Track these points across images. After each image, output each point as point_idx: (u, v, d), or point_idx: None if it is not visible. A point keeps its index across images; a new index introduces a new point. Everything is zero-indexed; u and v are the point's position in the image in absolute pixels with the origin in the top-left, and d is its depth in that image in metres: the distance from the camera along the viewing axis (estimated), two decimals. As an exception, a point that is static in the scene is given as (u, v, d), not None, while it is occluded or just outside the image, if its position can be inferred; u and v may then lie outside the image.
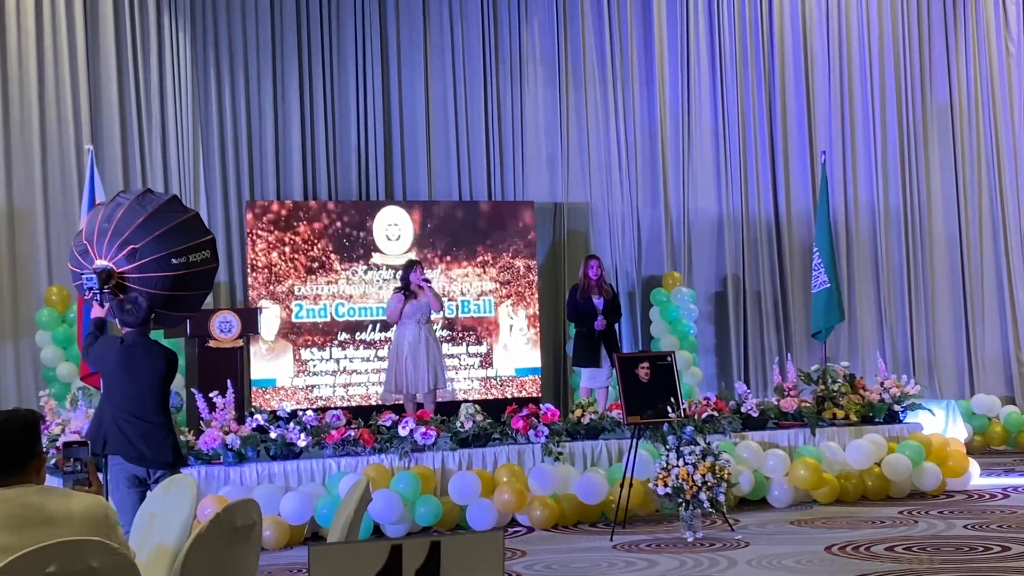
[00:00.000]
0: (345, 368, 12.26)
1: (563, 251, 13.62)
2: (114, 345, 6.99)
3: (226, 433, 9.01)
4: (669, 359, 9.37)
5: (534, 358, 12.94)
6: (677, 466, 8.66)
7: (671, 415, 8.96)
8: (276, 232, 12.08)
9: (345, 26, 13.01)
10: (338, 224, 12.33)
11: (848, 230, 14.57)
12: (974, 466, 10.80)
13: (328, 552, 2.84)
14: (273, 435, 9.18)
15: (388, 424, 9.58)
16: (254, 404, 11.42)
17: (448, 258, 12.69)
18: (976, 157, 15.17)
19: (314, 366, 12.15)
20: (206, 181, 12.38)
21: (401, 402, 11.07)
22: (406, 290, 11.07)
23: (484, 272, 12.80)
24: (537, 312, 13.00)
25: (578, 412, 10.13)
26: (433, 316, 11.42)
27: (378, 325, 12.30)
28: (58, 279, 11.47)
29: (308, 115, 12.81)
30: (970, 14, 15.24)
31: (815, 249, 12.60)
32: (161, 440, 6.85)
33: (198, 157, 12.35)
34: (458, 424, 9.73)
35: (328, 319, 12.23)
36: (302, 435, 9.22)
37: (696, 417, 9.37)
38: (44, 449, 4.31)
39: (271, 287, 12.03)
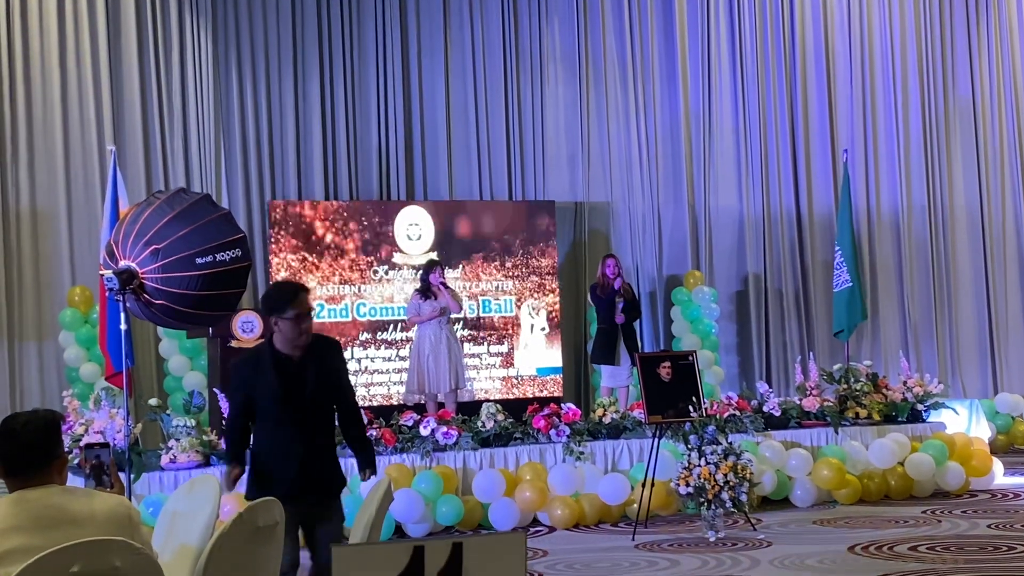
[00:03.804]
0: (366, 368, 12.27)
1: (584, 250, 13.61)
2: None
3: (248, 433, 9.02)
4: (691, 358, 9.35)
5: (555, 357, 12.93)
6: (699, 466, 8.64)
7: (693, 414, 8.94)
8: (297, 232, 12.11)
9: (366, 26, 13.03)
10: (359, 224, 12.34)
11: (870, 228, 14.51)
12: (998, 465, 10.75)
13: (351, 553, 2.84)
14: (295, 435, 9.18)
15: (410, 424, 9.59)
16: (276, 404, 11.42)
17: (469, 258, 12.69)
18: (999, 154, 15.09)
19: (335, 366, 12.14)
20: (227, 181, 12.42)
21: (422, 402, 11.08)
22: (427, 291, 11.10)
23: (505, 272, 12.79)
24: (558, 312, 12.98)
25: (599, 411, 10.13)
26: (453, 316, 11.44)
27: (399, 325, 12.31)
28: (81, 280, 11.53)
29: (329, 115, 12.85)
30: (992, 8, 15.15)
31: (837, 248, 12.56)
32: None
33: (219, 157, 12.39)
34: (479, 424, 9.74)
35: (349, 319, 12.25)
36: (324, 435, 9.21)
37: (718, 416, 9.35)
38: (67, 449, 4.33)
39: (293, 287, 12.02)
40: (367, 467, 5.81)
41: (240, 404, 5.68)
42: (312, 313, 5.57)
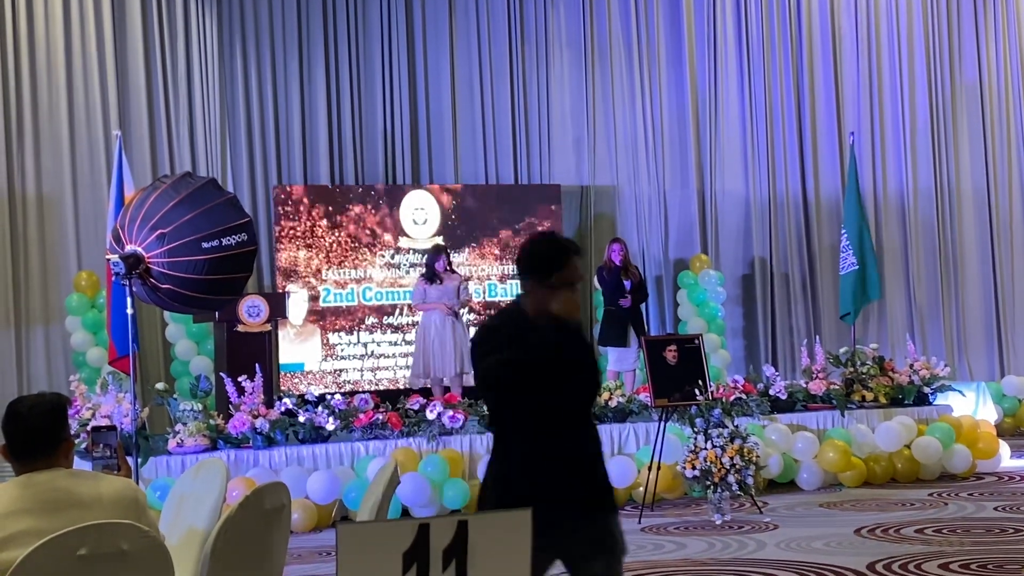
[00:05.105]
0: (373, 352, 12.28)
1: (590, 234, 13.59)
2: None
3: (255, 417, 9.05)
4: (697, 342, 9.35)
5: (561, 341, 12.90)
6: (705, 449, 8.64)
7: (699, 398, 8.94)
8: (303, 217, 12.11)
9: (371, 10, 13.01)
10: (365, 208, 12.34)
11: (877, 211, 14.48)
12: (1004, 448, 10.75)
13: (356, 531, 2.84)
14: (302, 419, 9.22)
15: (416, 408, 9.61)
16: (282, 388, 11.46)
17: (474, 242, 12.68)
18: (1006, 137, 15.04)
19: (342, 350, 12.18)
20: (233, 166, 12.43)
21: (428, 386, 11.09)
22: (432, 276, 11.13)
23: (510, 256, 12.78)
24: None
25: (605, 395, 10.12)
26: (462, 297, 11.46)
27: (405, 309, 12.32)
28: (87, 264, 11.54)
29: (334, 99, 12.84)
30: (999, -9, 15.11)
31: (843, 231, 12.53)
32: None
33: (225, 142, 12.39)
34: (486, 408, 9.73)
35: (356, 303, 12.25)
36: (330, 419, 9.25)
37: (724, 400, 9.35)
38: (74, 433, 4.32)
39: (298, 272, 12.06)
40: None
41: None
42: (579, 285, 4.31)
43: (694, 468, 8.68)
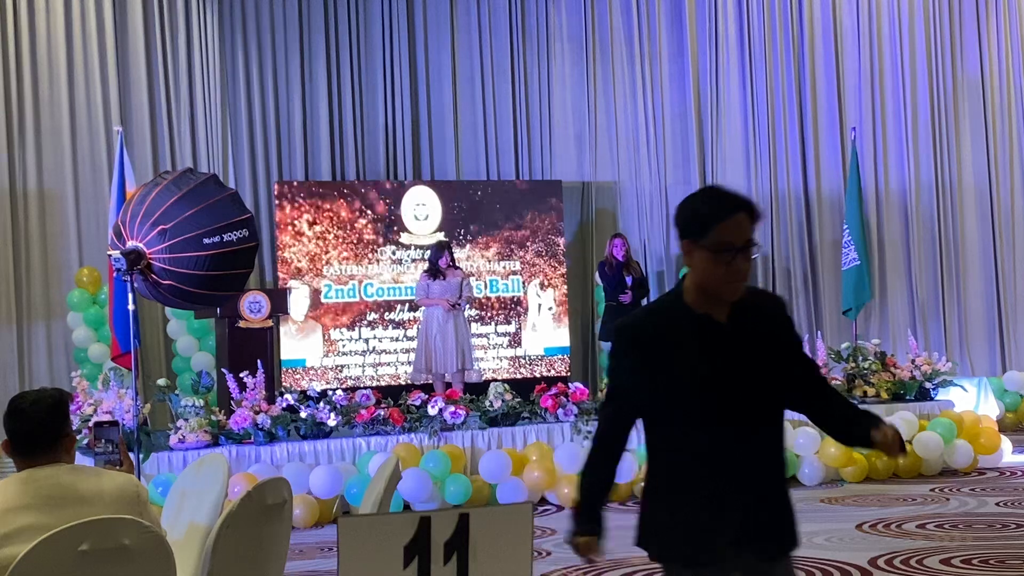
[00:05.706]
0: (374, 348, 12.28)
1: (591, 230, 13.59)
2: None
3: (256, 413, 9.05)
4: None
5: (563, 337, 12.93)
6: (707, 444, 8.63)
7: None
8: (304, 212, 12.11)
9: (372, 5, 13.01)
10: (366, 204, 12.34)
11: (879, 207, 14.46)
12: (1006, 443, 10.72)
13: (357, 523, 2.84)
14: (303, 415, 9.22)
15: (417, 403, 9.61)
16: (284, 384, 11.47)
17: (476, 238, 12.68)
18: (1008, 132, 15.00)
19: (343, 346, 12.18)
20: (234, 162, 12.43)
21: (430, 382, 11.10)
22: (435, 272, 11.13)
23: (512, 252, 12.78)
24: (566, 291, 12.98)
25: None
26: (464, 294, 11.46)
27: (407, 305, 12.32)
28: (89, 260, 11.55)
29: (336, 95, 12.84)
30: (1001, -14, 15.08)
31: (845, 226, 12.52)
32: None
33: (226, 138, 12.39)
34: (487, 403, 9.75)
35: (357, 299, 12.26)
36: (332, 415, 9.25)
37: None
38: (75, 429, 4.32)
39: (300, 267, 12.06)
40: (876, 423, 3.46)
41: (627, 397, 3.62)
42: (753, 247, 3.27)
43: (696, 463, 8.67)
